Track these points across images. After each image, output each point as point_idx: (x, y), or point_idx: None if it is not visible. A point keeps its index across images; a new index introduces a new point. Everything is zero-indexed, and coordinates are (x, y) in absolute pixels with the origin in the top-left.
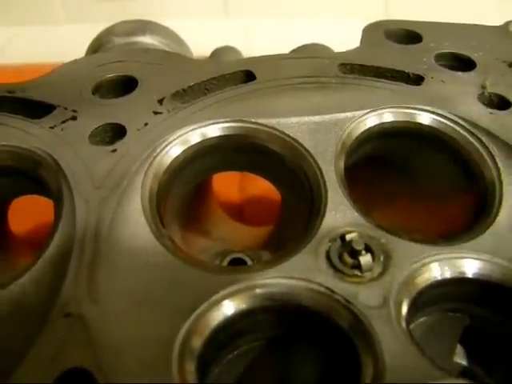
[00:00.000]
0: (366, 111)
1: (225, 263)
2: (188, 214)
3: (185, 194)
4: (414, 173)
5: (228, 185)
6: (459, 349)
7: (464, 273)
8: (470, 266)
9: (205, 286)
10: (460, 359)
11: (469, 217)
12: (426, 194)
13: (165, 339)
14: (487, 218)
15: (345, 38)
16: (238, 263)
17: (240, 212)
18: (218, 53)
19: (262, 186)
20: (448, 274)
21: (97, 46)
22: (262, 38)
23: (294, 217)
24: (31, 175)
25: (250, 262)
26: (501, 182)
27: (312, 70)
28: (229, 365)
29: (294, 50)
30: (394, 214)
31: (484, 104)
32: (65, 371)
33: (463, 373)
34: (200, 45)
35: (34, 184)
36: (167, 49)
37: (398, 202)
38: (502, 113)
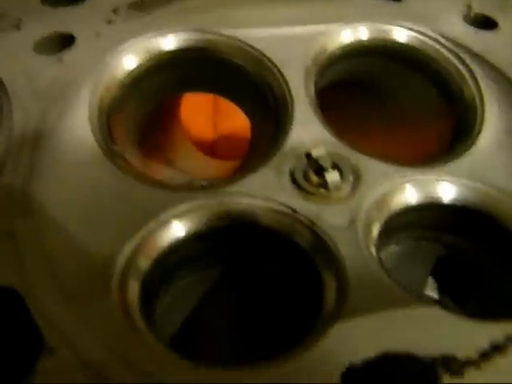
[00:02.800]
0: (340, 25)
1: None
2: (151, 142)
3: (145, 117)
4: (390, 94)
5: (200, 120)
6: (430, 279)
7: (438, 197)
8: (446, 190)
9: (155, 203)
10: (431, 290)
11: (447, 140)
12: (402, 117)
13: (107, 255)
14: (467, 140)
15: None
16: None
17: (212, 148)
18: None
19: (236, 124)
20: (422, 198)
21: None
22: None
23: (260, 142)
24: None
25: None
26: (482, 103)
27: None
28: (182, 290)
29: None
30: (369, 138)
31: (469, 24)
32: None
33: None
34: None
35: None
36: None
37: (373, 126)
38: (488, 33)
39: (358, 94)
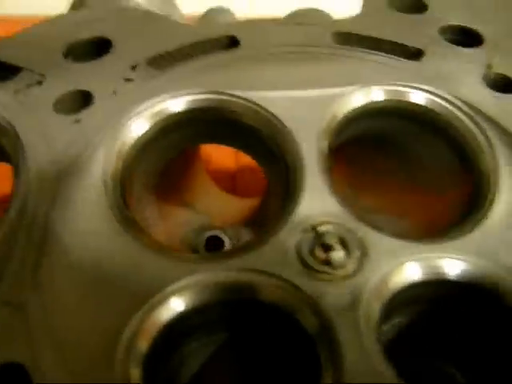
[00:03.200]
0: (355, 87)
1: (202, 241)
2: (169, 185)
3: (162, 167)
4: (406, 156)
5: (223, 154)
6: (433, 348)
7: (444, 274)
8: (452, 268)
9: (160, 276)
10: (434, 359)
11: (461, 209)
12: (418, 180)
13: (110, 337)
14: (478, 214)
15: (348, 4)
16: (215, 241)
17: (233, 182)
18: (209, 14)
19: None
20: (426, 276)
21: (78, 3)
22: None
23: (274, 193)
24: None
25: (227, 241)
26: (497, 174)
27: (302, 38)
28: (182, 363)
29: (288, 15)
30: (385, 197)
31: (488, 85)
32: None
33: (436, 373)
34: (192, 5)
35: None
36: (153, 8)
37: (390, 186)
38: (507, 97)
39: (375, 149)
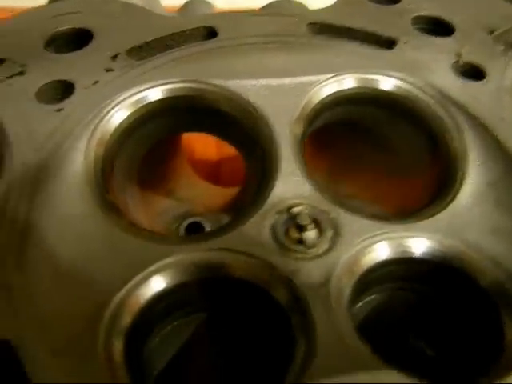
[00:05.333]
0: (329, 75)
1: (182, 227)
2: (151, 174)
3: (143, 155)
4: (379, 142)
5: (205, 144)
6: (405, 324)
7: (411, 253)
8: (419, 246)
9: (140, 258)
10: (405, 334)
11: (432, 192)
12: (391, 165)
13: (92, 314)
14: (447, 196)
15: None
16: (195, 228)
17: (217, 172)
18: (189, 5)
19: None
20: (395, 254)
21: None
22: None
23: (253, 178)
24: None
25: (208, 227)
26: (466, 158)
27: (279, 28)
28: (163, 340)
29: (264, 7)
30: (359, 182)
31: (457, 73)
32: None
33: (406, 347)
34: None
35: None
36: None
37: (364, 171)
38: (475, 84)
39: (350, 137)
